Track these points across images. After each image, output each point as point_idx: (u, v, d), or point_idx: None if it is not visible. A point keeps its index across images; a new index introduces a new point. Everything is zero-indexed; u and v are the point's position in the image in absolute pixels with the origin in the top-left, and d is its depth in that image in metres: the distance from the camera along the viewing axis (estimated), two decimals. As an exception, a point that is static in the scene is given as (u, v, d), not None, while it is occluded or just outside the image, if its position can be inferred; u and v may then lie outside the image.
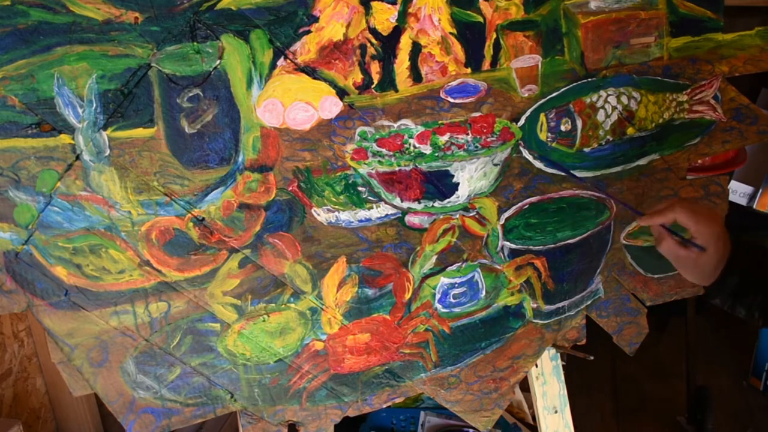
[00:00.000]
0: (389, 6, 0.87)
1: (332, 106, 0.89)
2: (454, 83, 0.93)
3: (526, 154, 1.00)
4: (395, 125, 0.93)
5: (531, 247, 1.07)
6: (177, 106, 0.83)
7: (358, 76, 0.89)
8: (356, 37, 0.87)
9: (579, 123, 1.01)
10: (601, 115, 1.02)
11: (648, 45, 1.01)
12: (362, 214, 0.96)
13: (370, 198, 0.95)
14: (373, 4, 0.86)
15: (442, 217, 1.00)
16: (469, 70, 0.93)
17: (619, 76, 1.01)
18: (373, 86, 0.90)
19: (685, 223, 0.79)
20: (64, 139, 0.80)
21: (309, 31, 0.85)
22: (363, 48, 0.88)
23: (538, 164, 1.01)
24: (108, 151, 0.82)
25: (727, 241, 0.79)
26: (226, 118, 0.85)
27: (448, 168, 0.95)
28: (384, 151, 0.93)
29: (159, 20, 0.79)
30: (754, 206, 1.80)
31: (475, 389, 1.13)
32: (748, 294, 0.80)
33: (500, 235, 1.04)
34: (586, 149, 1.03)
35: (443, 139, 0.95)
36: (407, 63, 0.90)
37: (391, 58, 0.89)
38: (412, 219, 0.99)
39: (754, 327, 1.97)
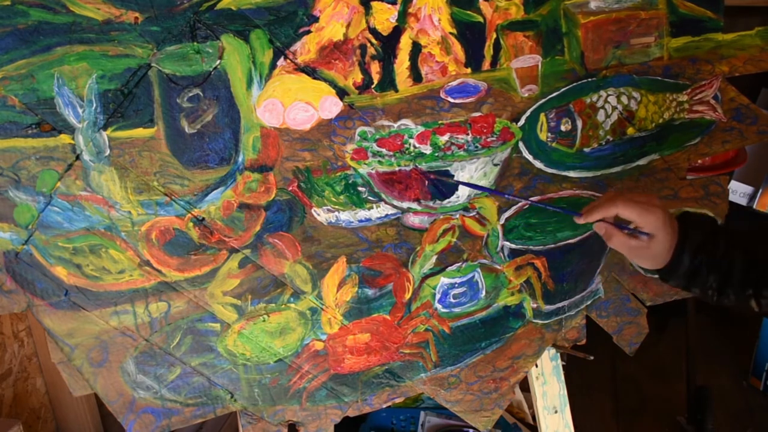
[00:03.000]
0: (389, 6, 0.87)
1: (332, 106, 0.89)
2: (454, 83, 0.93)
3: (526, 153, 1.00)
4: (395, 125, 0.93)
5: (531, 247, 1.07)
6: (177, 106, 0.83)
7: (358, 76, 0.89)
8: (356, 37, 0.87)
9: (579, 123, 1.01)
10: (601, 115, 1.02)
11: (648, 45, 1.01)
12: (362, 214, 0.96)
13: (370, 198, 0.95)
14: (373, 4, 0.86)
15: (442, 217, 1.00)
16: (469, 70, 0.93)
17: (619, 76, 1.01)
18: (373, 86, 0.90)
19: (628, 216, 0.79)
20: (64, 139, 0.80)
21: (309, 31, 0.85)
22: (363, 48, 0.88)
23: (538, 164, 1.02)
24: (108, 151, 0.82)
25: (674, 223, 0.80)
26: (226, 118, 0.85)
27: (448, 168, 0.95)
28: (384, 151, 0.93)
29: (159, 20, 0.79)
30: (754, 206, 1.80)
31: (475, 389, 1.13)
32: (700, 273, 0.80)
33: (500, 235, 1.04)
34: (586, 149, 1.03)
35: (443, 139, 0.95)
36: (407, 63, 0.90)
37: (391, 58, 0.89)
38: (412, 219, 0.99)
39: (754, 327, 1.97)
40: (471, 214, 1.02)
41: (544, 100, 0.98)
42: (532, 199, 1.02)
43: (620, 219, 0.82)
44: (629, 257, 0.84)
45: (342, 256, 0.97)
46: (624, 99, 1.02)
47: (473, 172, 0.96)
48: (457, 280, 1.05)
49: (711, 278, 0.80)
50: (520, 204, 1.03)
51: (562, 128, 1.01)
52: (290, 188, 0.91)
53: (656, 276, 0.86)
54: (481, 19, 0.91)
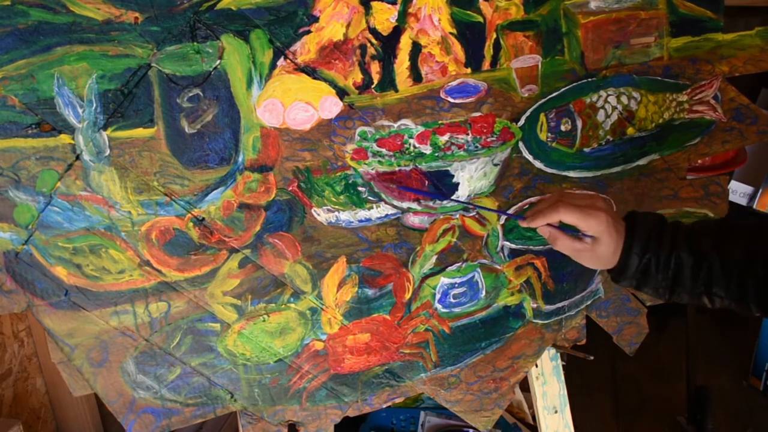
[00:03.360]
0: (389, 6, 0.87)
1: (332, 106, 0.89)
2: (454, 83, 0.93)
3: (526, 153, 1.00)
4: (395, 125, 0.93)
5: (531, 247, 1.07)
6: (177, 106, 0.83)
7: (358, 76, 0.89)
8: (356, 37, 0.87)
9: (579, 123, 1.01)
10: (601, 115, 1.02)
11: (648, 45, 1.01)
12: (362, 214, 0.96)
13: (370, 198, 0.96)
14: (373, 4, 0.86)
15: (442, 217, 1.00)
16: (469, 70, 0.93)
17: (619, 76, 1.01)
18: (373, 86, 0.90)
19: (570, 220, 0.79)
20: (64, 139, 0.80)
21: (309, 31, 0.85)
22: (363, 48, 0.88)
23: (538, 164, 1.02)
24: (108, 151, 0.82)
25: (619, 225, 0.79)
26: (226, 118, 0.85)
27: (448, 168, 0.95)
28: (384, 151, 0.93)
29: (159, 20, 0.79)
30: (754, 206, 1.80)
31: (475, 389, 1.13)
32: (649, 272, 0.79)
33: (500, 235, 1.04)
34: (586, 149, 1.03)
35: (443, 139, 0.95)
36: (407, 63, 0.90)
37: (391, 58, 0.89)
38: (412, 219, 0.99)
39: (754, 327, 1.97)
40: (471, 214, 1.02)
41: (544, 100, 0.98)
42: (529, 200, 1.02)
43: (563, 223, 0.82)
44: (576, 259, 0.82)
45: (342, 256, 0.97)
46: (624, 99, 1.02)
47: (473, 172, 0.96)
48: (457, 280, 1.05)
49: (660, 276, 0.78)
50: (519, 204, 1.03)
51: (562, 128, 1.01)
52: (290, 188, 0.91)
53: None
54: (481, 19, 0.91)
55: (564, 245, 0.82)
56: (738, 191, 1.81)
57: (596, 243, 0.79)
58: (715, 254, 0.76)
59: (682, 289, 0.79)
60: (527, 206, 1.03)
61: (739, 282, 0.75)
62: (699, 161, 1.25)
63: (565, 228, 0.82)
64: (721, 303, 0.78)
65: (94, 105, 0.79)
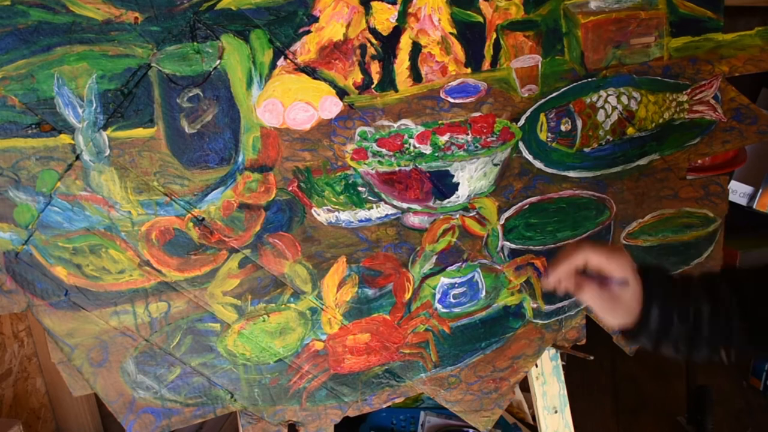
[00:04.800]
0: (389, 6, 0.87)
1: (332, 106, 0.89)
2: (454, 83, 0.93)
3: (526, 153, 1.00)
4: (395, 125, 0.93)
5: (531, 247, 1.07)
6: (177, 106, 0.83)
7: (358, 76, 0.89)
8: (356, 37, 0.87)
9: (579, 123, 1.01)
10: (601, 115, 1.02)
11: (648, 45, 1.01)
12: (362, 214, 0.96)
13: (370, 198, 0.95)
14: (373, 4, 0.86)
15: (442, 217, 1.00)
16: (469, 70, 0.93)
17: (619, 76, 1.01)
18: (373, 86, 0.90)
19: (596, 261, 0.75)
20: (64, 139, 0.80)
21: (309, 31, 0.85)
22: (363, 48, 0.88)
23: (538, 164, 1.02)
24: (108, 151, 0.82)
25: (637, 272, 0.75)
26: (226, 118, 0.85)
27: (448, 168, 0.95)
28: (384, 151, 0.93)
29: (159, 20, 0.79)
30: (754, 206, 1.80)
31: (475, 389, 1.13)
32: (670, 324, 0.74)
33: (500, 235, 1.04)
34: (586, 149, 1.03)
35: (443, 139, 0.95)
36: (407, 63, 0.90)
37: (391, 58, 0.89)
38: (412, 219, 0.99)
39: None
40: (471, 214, 1.02)
41: (544, 100, 0.98)
42: (530, 200, 1.02)
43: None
44: (601, 312, 0.77)
45: (342, 256, 0.97)
46: (624, 99, 1.02)
47: (473, 172, 0.96)
48: (457, 280, 1.05)
49: (681, 329, 0.74)
50: (519, 204, 1.03)
51: (562, 128, 1.01)
52: (290, 188, 0.91)
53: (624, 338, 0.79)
54: (481, 19, 0.91)
55: (590, 291, 0.76)
56: (738, 191, 1.81)
57: (624, 288, 0.74)
58: (734, 301, 0.73)
59: (702, 341, 0.74)
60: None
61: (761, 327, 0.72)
62: (699, 161, 1.25)
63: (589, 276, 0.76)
64: (736, 356, 0.74)
65: (94, 105, 0.79)
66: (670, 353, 0.78)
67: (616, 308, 0.76)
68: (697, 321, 0.74)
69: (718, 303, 0.74)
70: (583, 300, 0.77)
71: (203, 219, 0.89)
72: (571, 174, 1.04)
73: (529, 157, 1.01)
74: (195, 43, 0.81)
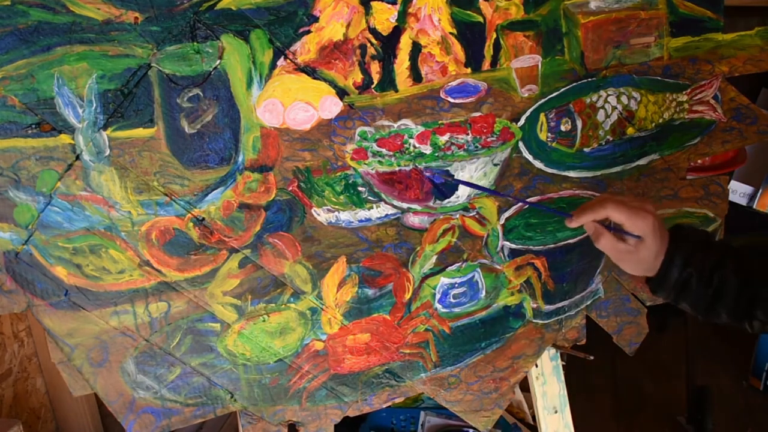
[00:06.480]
0: (389, 6, 0.87)
1: (332, 106, 0.89)
2: (454, 83, 0.93)
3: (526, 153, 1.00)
4: (395, 125, 0.93)
5: (531, 247, 1.07)
6: (177, 106, 0.83)
7: (358, 76, 0.89)
8: (356, 37, 0.87)
9: (579, 123, 1.01)
10: (601, 115, 1.02)
11: (648, 45, 1.01)
12: (362, 214, 0.96)
13: (370, 198, 0.96)
14: (373, 4, 0.86)
15: (442, 217, 1.00)
16: (469, 70, 0.93)
17: (619, 76, 1.01)
18: (373, 86, 0.90)
19: (617, 218, 0.77)
20: (64, 139, 0.80)
21: (309, 31, 0.85)
22: (363, 48, 0.88)
23: (538, 164, 1.02)
24: (108, 151, 0.82)
25: (664, 231, 0.78)
26: (226, 118, 0.85)
27: (448, 168, 0.95)
28: (384, 151, 0.93)
29: (159, 20, 0.79)
30: (754, 206, 1.80)
31: (475, 389, 1.13)
32: (689, 286, 0.78)
33: (500, 235, 1.04)
34: (586, 149, 1.03)
35: (443, 139, 0.95)
36: (407, 63, 0.90)
37: (391, 58, 0.89)
38: (412, 219, 0.99)
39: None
40: (471, 214, 1.02)
41: (544, 100, 0.98)
42: (530, 200, 1.02)
43: (611, 223, 0.80)
44: (616, 260, 0.81)
45: (342, 256, 0.97)
46: (624, 99, 1.02)
47: (473, 172, 0.96)
48: (457, 280, 1.05)
49: (701, 293, 0.77)
50: (519, 204, 1.03)
51: (562, 128, 1.01)
52: (290, 188, 0.91)
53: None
54: (481, 19, 0.91)
55: (607, 243, 0.79)
56: (738, 191, 1.81)
57: (640, 245, 0.77)
58: (763, 279, 0.75)
59: (722, 309, 0.77)
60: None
61: None
62: (699, 161, 1.25)
63: (609, 227, 0.80)
64: (761, 328, 0.77)
65: (94, 105, 0.79)
66: (687, 310, 0.82)
67: (630, 261, 0.80)
68: (721, 289, 0.77)
69: (747, 275, 0.76)
70: (599, 248, 0.81)
71: (203, 219, 0.89)
72: (571, 174, 1.04)
73: (529, 157, 1.01)
74: (195, 43, 0.81)
